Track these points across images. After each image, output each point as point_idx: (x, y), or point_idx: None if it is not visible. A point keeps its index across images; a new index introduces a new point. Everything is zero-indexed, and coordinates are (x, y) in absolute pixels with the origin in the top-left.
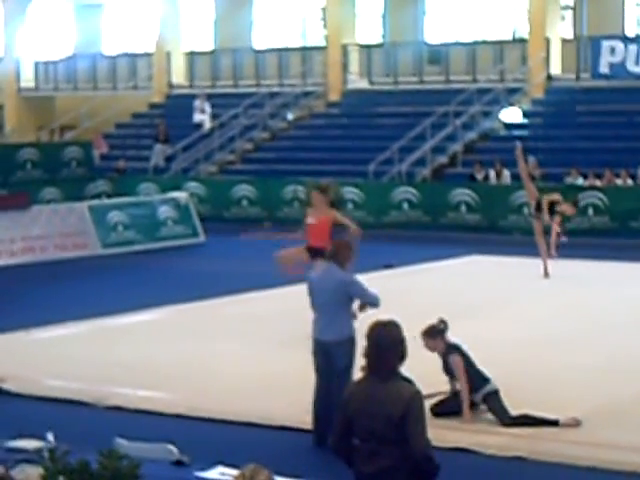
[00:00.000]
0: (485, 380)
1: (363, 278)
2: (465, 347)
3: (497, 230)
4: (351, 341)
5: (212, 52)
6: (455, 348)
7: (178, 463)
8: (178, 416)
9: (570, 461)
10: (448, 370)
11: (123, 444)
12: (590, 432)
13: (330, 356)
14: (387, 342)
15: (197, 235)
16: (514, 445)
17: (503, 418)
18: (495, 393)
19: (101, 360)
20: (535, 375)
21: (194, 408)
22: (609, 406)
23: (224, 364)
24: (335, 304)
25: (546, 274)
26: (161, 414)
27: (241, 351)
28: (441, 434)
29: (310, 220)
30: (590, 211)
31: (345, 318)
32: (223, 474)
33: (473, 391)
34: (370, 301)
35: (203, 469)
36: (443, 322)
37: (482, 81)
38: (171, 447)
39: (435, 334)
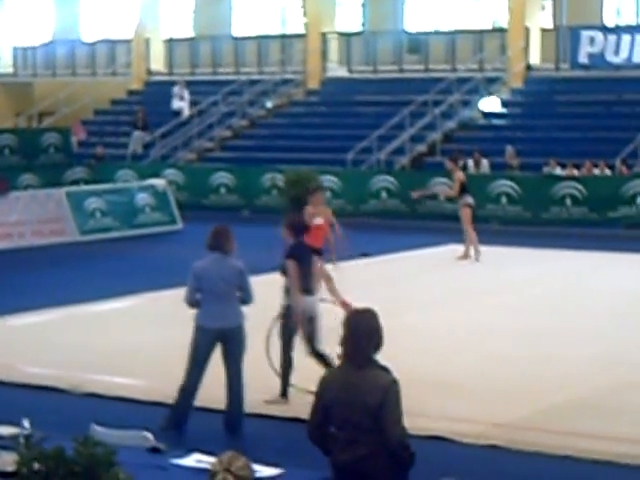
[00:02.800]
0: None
1: (340, 266)
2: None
3: (475, 219)
4: (244, 327)
5: (191, 39)
6: (291, 256)
7: (154, 450)
8: (154, 403)
9: (546, 450)
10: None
11: (99, 431)
12: (567, 421)
13: (230, 343)
14: (364, 330)
15: (175, 222)
16: (490, 434)
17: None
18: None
19: (78, 347)
20: (512, 364)
21: (170, 395)
22: (586, 395)
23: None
24: (232, 291)
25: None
26: (137, 401)
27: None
28: (418, 422)
29: (318, 221)
30: (568, 201)
31: (238, 305)
32: (199, 461)
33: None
34: (249, 295)
35: (179, 456)
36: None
37: (461, 70)
38: (147, 434)
39: None
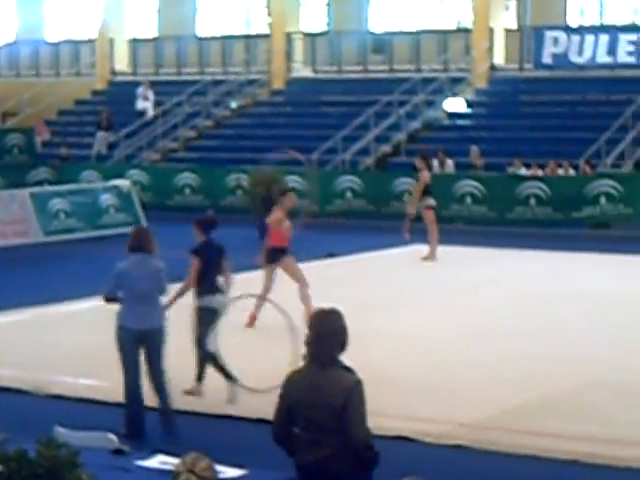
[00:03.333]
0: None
1: (306, 267)
2: None
3: (440, 219)
4: (165, 328)
5: (155, 39)
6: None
7: (118, 452)
8: (119, 405)
9: (511, 450)
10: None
11: (62, 432)
12: (531, 421)
13: (151, 343)
14: (328, 330)
15: (139, 223)
16: (454, 434)
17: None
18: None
19: (42, 348)
20: (477, 364)
21: None
22: (551, 395)
23: (166, 353)
24: (155, 292)
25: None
26: (102, 403)
27: (183, 339)
28: (382, 423)
29: (287, 223)
30: (533, 201)
31: (160, 306)
32: (163, 463)
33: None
34: (165, 292)
35: (143, 458)
36: None
37: (426, 71)
38: (111, 436)
39: None
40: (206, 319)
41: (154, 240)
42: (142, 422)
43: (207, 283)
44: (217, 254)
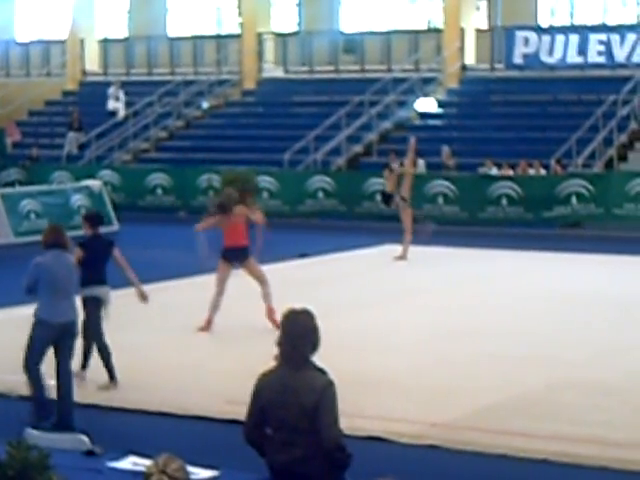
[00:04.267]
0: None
1: (277, 267)
2: None
3: (412, 220)
4: (77, 322)
5: (126, 39)
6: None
7: (90, 453)
8: (91, 406)
9: (483, 449)
10: None
11: (34, 434)
12: (503, 420)
13: (68, 336)
14: (300, 331)
15: (111, 223)
16: (428, 434)
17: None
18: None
19: (13, 349)
20: (449, 364)
21: (107, 398)
22: (523, 395)
23: (138, 354)
24: (72, 286)
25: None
26: (75, 404)
27: (154, 341)
28: (354, 423)
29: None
30: (504, 201)
31: (75, 300)
32: (135, 464)
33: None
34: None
35: (115, 459)
36: None
37: (397, 71)
38: (83, 437)
39: None
40: (91, 308)
41: (67, 236)
42: (49, 414)
43: (94, 274)
44: (105, 247)
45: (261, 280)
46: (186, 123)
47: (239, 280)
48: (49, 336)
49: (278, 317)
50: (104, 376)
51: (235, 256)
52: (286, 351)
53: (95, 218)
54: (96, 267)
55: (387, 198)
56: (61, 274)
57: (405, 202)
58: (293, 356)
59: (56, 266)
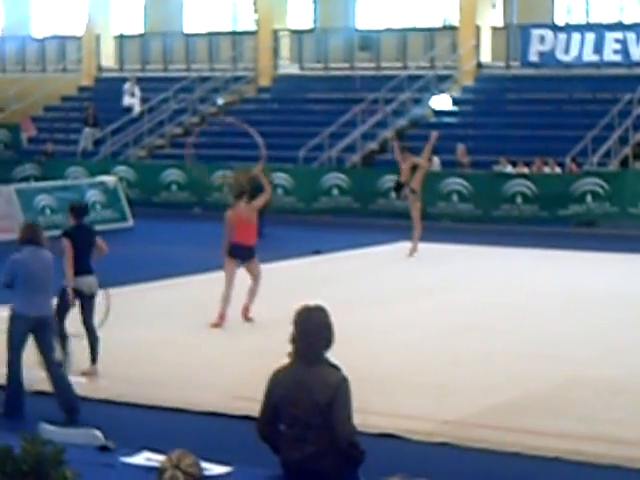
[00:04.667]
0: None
1: (291, 264)
2: None
3: (427, 217)
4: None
5: (142, 35)
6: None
7: (103, 448)
8: (104, 401)
9: (495, 447)
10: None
11: (48, 429)
12: (514, 418)
13: (45, 331)
14: (313, 327)
15: (126, 219)
16: (440, 431)
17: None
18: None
19: (28, 345)
20: (461, 361)
21: (120, 394)
22: (535, 392)
23: (152, 349)
24: (49, 281)
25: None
26: (87, 399)
27: (168, 336)
28: (368, 420)
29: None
30: (519, 199)
31: (52, 295)
32: (149, 459)
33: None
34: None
35: (128, 454)
36: None
37: (412, 68)
38: (96, 432)
39: None
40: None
41: (44, 233)
42: (21, 408)
43: (78, 265)
44: (88, 236)
45: (256, 278)
46: (201, 119)
47: (248, 279)
48: (25, 329)
49: (251, 317)
50: (116, 370)
51: (241, 254)
52: (300, 348)
53: (79, 209)
54: (80, 257)
55: (399, 187)
56: (38, 270)
57: (415, 195)
58: (307, 353)
59: (33, 262)
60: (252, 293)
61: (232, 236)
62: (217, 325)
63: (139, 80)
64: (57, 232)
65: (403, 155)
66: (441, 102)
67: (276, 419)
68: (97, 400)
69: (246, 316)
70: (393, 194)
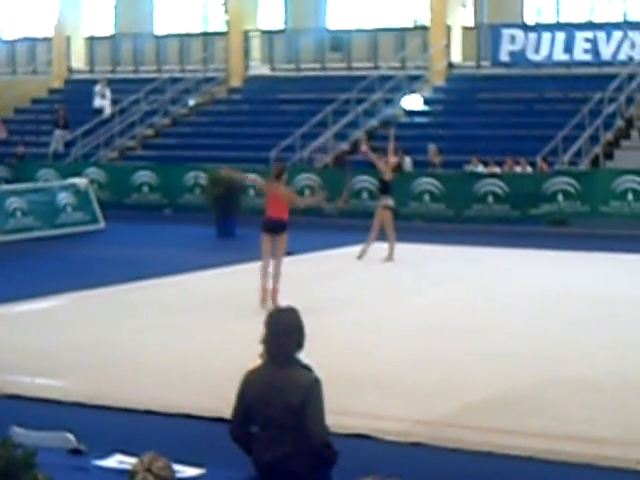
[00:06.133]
0: None
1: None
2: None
3: (398, 217)
4: None
5: (112, 37)
6: None
7: (75, 451)
8: (77, 404)
9: (469, 447)
10: None
11: (19, 433)
12: (489, 418)
13: None
14: (285, 328)
15: (97, 221)
16: (414, 431)
17: None
18: None
19: (4, 346)
20: (435, 361)
21: (93, 396)
22: (508, 392)
23: (124, 351)
24: None
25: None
26: (60, 402)
27: (141, 338)
28: (341, 421)
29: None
30: (490, 199)
31: None
32: (121, 462)
33: None
34: None
35: (101, 457)
36: None
37: (384, 68)
38: (68, 435)
39: None
40: None
41: None
42: None
43: None
44: None
45: (278, 259)
46: (172, 121)
47: (224, 278)
48: None
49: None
50: (87, 372)
51: (270, 227)
52: (271, 349)
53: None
54: None
55: (385, 187)
56: None
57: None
58: (278, 354)
59: None
60: (276, 275)
61: (266, 210)
62: (264, 300)
63: (110, 81)
64: (29, 235)
65: (377, 154)
66: (412, 102)
67: (249, 421)
68: (68, 403)
69: (275, 299)
70: (367, 195)
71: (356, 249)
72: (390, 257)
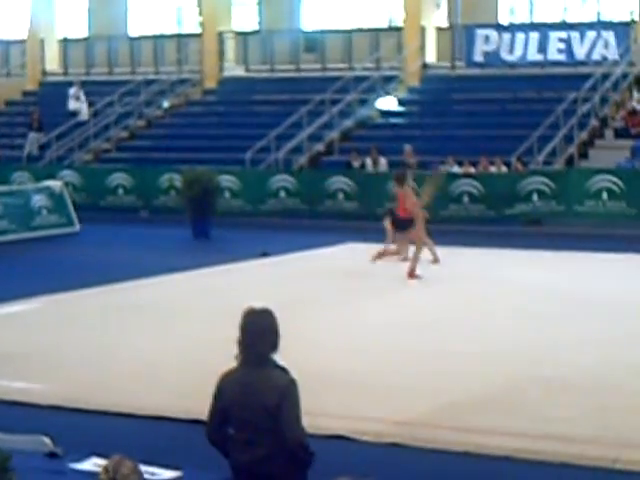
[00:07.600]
0: None
1: (239, 266)
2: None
3: (374, 218)
4: None
5: (86, 39)
6: None
7: (51, 455)
8: (54, 407)
9: (447, 447)
10: None
11: None
12: (465, 418)
13: None
14: (260, 330)
15: (72, 224)
16: (390, 432)
17: None
18: None
19: None
20: (411, 362)
21: (69, 399)
22: (485, 392)
23: (100, 354)
24: None
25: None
26: (36, 405)
27: (117, 341)
28: (317, 422)
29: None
30: (465, 199)
31: None
32: (97, 465)
33: None
34: None
35: (77, 460)
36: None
37: (358, 69)
38: (44, 438)
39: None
40: None
41: None
42: None
43: None
44: None
45: (417, 244)
46: (147, 123)
47: (199, 279)
48: None
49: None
50: (63, 375)
51: (397, 224)
52: (246, 350)
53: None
54: None
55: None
56: None
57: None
58: (253, 355)
59: None
60: (415, 259)
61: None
62: (412, 276)
63: (84, 84)
64: (3, 238)
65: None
66: (387, 103)
67: (225, 423)
68: (44, 406)
69: (412, 275)
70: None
71: (332, 250)
72: (435, 259)
